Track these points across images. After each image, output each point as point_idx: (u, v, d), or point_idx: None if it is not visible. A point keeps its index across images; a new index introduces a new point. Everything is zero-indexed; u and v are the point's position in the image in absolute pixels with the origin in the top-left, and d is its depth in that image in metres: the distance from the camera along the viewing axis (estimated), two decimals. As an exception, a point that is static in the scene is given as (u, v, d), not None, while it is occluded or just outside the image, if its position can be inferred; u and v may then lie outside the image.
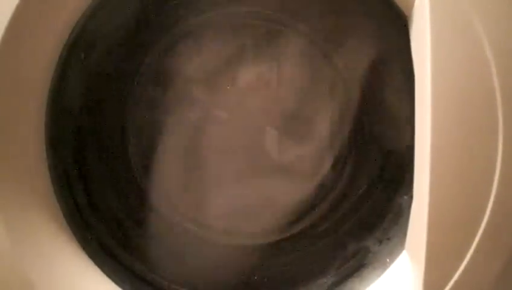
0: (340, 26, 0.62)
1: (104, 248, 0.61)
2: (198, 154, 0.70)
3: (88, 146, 0.64)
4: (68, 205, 0.59)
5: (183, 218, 0.68)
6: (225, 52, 0.68)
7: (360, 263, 0.60)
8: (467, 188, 0.46)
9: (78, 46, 0.58)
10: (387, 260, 0.57)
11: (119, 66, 0.65)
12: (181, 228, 0.68)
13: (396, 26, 0.53)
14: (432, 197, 0.46)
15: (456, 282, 0.47)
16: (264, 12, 0.65)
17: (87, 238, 0.59)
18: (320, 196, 0.68)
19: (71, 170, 0.61)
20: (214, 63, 0.68)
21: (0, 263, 0.51)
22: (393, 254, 0.56)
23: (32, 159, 0.55)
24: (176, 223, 0.68)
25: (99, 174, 0.65)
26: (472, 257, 0.47)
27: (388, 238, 0.59)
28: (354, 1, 0.60)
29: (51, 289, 0.53)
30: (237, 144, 0.69)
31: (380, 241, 0.60)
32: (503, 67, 0.45)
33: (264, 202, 0.70)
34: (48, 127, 0.56)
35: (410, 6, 0.51)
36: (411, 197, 0.52)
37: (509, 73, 0.45)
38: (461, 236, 0.47)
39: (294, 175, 0.70)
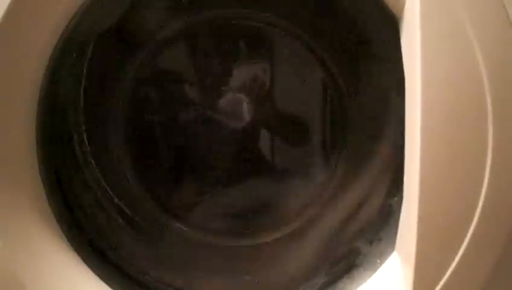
0: (331, 27, 0.62)
1: (95, 248, 0.61)
2: (191, 155, 0.70)
3: (79, 146, 0.64)
4: (59, 205, 0.58)
5: (175, 218, 0.68)
6: (218, 52, 0.68)
7: (351, 263, 0.60)
8: (456, 189, 0.46)
9: (71, 46, 0.58)
10: (378, 261, 0.57)
11: (112, 66, 0.65)
12: (173, 229, 0.68)
13: (387, 28, 0.53)
14: (421, 199, 0.46)
15: (446, 283, 0.47)
16: (255, 13, 0.66)
17: (78, 239, 0.59)
18: (311, 196, 0.68)
19: (62, 170, 0.61)
20: (207, 63, 0.68)
21: (-10, 264, 0.51)
22: (384, 254, 0.56)
23: (23, 158, 0.55)
24: (168, 223, 0.68)
25: (90, 174, 0.65)
26: (462, 259, 0.47)
27: (379, 239, 0.59)
28: (345, 2, 0.60)
29: (42, 289, 0.53)
30: (230, 144, 0.69)
31: (371, 242, 0.60)
32: (493, 68, 0.45)
33: (256, 202, 0.70)
34: (39, 127, 0.56)
35: (401, 7, 0.50)
36: (401, 198, 0.52)
37: (499, 74, 0.45)
38: (451, 237, 0.47)
39: (286, 175, 0.70)
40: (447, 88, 0.45)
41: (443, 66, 0.45)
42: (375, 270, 0.56)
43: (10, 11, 0.50)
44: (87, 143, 0.65)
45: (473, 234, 0.46)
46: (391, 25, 0.52)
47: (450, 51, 0.45)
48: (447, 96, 0.45)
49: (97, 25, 0.61)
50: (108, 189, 0.66)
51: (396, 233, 0.54)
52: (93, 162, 0.65)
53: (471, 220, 0.46)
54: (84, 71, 0.63)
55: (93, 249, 0.60)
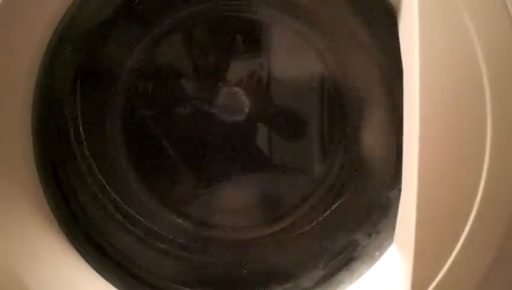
0: (328, 19, 0.62)
1: (92, 243, 0.61)
2: (188, 149, 0.69)
3: (76, 139, 0.64)
4: (56, 199, 0.58)
5: (172, 213, 0.68)
6: (214, 46, 0.68)
7: (350, 256, 0.60)
8: (455, 182, 0.46)
9: (65, 39, 0.57)
10: (377, 253, 0.57)
11: (107, 60, 0.65)
12: (170, 223, 0.68)
13: (385, 20, 0.53)
14: (420, 191, 0.46)
15: (444, 275, 0.47)
16: (253, 5, 0.65)
17: (75, 233, 0.59)
18: (309, 189, 0.68)
19: (58, 163, 0.61)
20: (203, 57, 0.68)
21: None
22: (383, 247, 0.56)
23: (19, 152, 0.54)
24: (165, 218, 0.68)
25: (86, 168, 0.64)
26: (460, 251, 0.47)
27: (377, 232, 0.59)
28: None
29: (39, 284, 0.53)
30: (227, 138, 0.69)
31: (369, 235, 0.60)
32: (492, 60, 0.45)
33: (254, 196, 0.70)
34: (35, 120, 0.56)
35: (399, -1, 0.50)
36: (400, 190, 0.52)
37: (498, 66, 0.45)
38: (449, 230, 0.47)
39: (284, 169, 0.70)
40: (445, 79, 0.45)
41: (441, 57, 0.45)
42: (373, 263, 0.56)
43: (5, 3, 0.49)
44: (83, 136, 0.65)
45: (472, 226, 0.46)
46: (389, 16, 0.52)
47: (449, 42, 0.45)
48: (446, 88, 0.45)
49: (92, 18, 0.60)
50: (104, 183, 0.66)
51: (394, 225, 0.54)
52: (89, 155, 0.65)
53: (470, 212, 0.46)
54: (80, 64, 0.63)
55: (90, 244, 0.60)
